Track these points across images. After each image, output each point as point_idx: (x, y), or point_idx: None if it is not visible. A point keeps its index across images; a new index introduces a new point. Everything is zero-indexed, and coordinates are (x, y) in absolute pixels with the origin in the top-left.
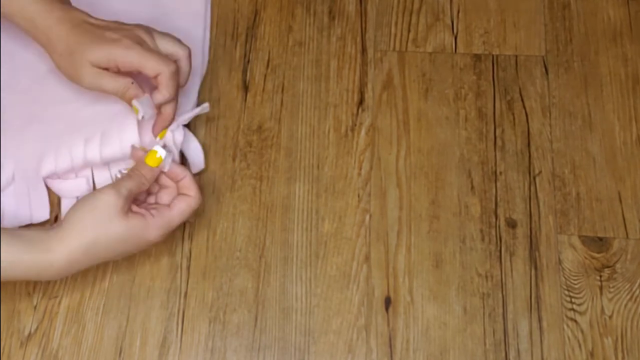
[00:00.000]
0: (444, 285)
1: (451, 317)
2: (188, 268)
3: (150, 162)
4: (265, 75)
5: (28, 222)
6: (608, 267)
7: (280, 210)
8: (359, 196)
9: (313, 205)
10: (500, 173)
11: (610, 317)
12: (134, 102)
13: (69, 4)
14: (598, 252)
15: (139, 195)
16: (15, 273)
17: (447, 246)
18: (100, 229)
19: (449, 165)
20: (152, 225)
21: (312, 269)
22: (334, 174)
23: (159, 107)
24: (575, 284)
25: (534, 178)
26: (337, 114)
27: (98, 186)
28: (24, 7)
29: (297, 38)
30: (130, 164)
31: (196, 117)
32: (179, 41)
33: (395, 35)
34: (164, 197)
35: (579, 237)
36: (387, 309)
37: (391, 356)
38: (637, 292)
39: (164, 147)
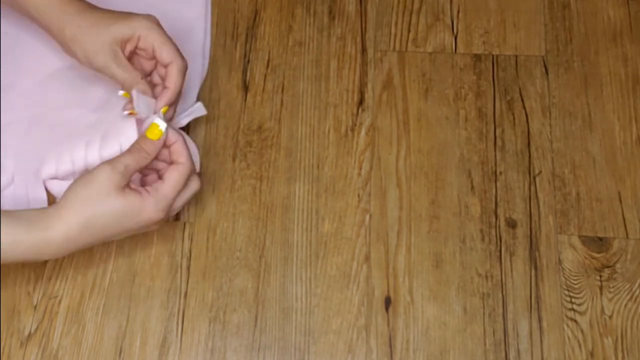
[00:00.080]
0: (444, 285)
1: (451, 317)
2: (188, 268)
3: (152, 135)
4: (265, 75)
5: None
6: (608, 267)
7: (280, 210)
8: (359, 196)
9: (313, 205)
10: (500, 173)
11: (610, 317)
12: (133, 92)
13: None
14: (598, 252)
15: (144, 171)
16: (15, 254)
17: (447, 246)
18: (96, 204)
19: (449, 165)
20: (148, 201)
21: (312, 269)
22: (334, 174)
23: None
24: (575, 284)
25: (534, 178)
26: (337, 114)
27: None
28: None
29: (297, 38)
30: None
31: (195, 118)
32: (179, 51)
33: (395, 35)
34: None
35: (579, 237)
36: (387, 309)
37: (391, 356)
38: (637, 292)
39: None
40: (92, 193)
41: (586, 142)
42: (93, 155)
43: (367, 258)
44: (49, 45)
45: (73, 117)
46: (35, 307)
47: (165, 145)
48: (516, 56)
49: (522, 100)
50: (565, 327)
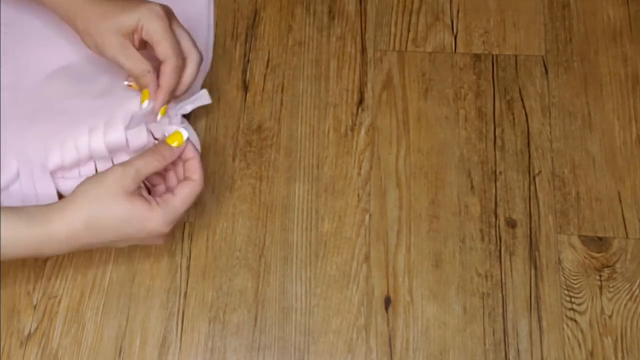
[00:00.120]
0: (444, 285)
1: (451, 317)
2: (188, 268)
3: (172, 141)
4: (265, 75)
5: None
6: (608, 267)
7: (280, 210)
8: (359, 196)
9: (313, 205)
10: (500, 173)
11: (610, 317)
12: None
13: None
14: (598, 252)
15: (153, 181)
16: (17, 249)
17: (447, 246)
18: (102, 205)
19: (449, 165)
20: (156, 212)
21: (312, 269)
22: (334, 174)
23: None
24: (575, 284)
25: (534, 178)
26: (337, 114)
27: None
28: None
29: (297, 38)
30: (133, 154)
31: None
32: (195, 44)
33: (395, 35)
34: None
35: (579, 237)
36: (387, 309)
37: (391, 356)
38: (637, 292)
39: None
40: (100, 193)
41: (586, 142)
42: (98, 141)
43: (367, 258)
44: (50, 44)
45: (75, 104)
46: (35, 307)
47: (181, 158)
48: (516, 56)
49: (522, 100)
50: (565, 327)
